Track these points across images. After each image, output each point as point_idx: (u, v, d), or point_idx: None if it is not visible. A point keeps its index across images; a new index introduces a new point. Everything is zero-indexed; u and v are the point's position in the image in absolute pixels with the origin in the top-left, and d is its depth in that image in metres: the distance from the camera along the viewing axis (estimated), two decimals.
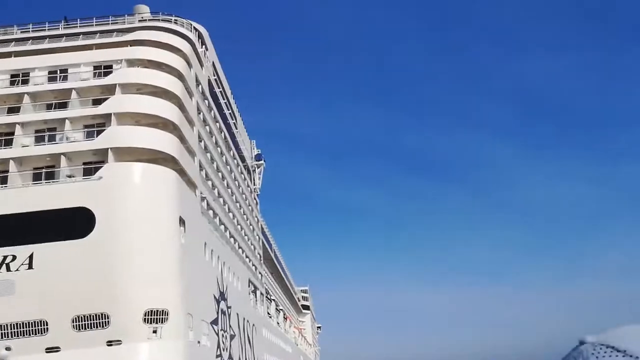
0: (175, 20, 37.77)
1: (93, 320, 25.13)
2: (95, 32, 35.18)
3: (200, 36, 40.86)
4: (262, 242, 65.62)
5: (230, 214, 46.74)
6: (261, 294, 59.83)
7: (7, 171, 28.08)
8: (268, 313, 64.68)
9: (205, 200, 37.01)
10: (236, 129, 54.27)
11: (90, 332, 24.97)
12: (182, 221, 29.70)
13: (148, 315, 25.95)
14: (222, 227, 42.57)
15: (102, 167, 27.79)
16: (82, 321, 25.04)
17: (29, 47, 33.97)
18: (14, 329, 24.53)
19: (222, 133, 46.70)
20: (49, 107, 31.07)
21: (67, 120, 29.75)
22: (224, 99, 48.07)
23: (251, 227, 58.79)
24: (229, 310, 39.43)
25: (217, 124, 44.89)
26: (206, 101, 41.26)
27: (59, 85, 31.65)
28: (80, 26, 35.91)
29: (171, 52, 34.37)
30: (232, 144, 51.19)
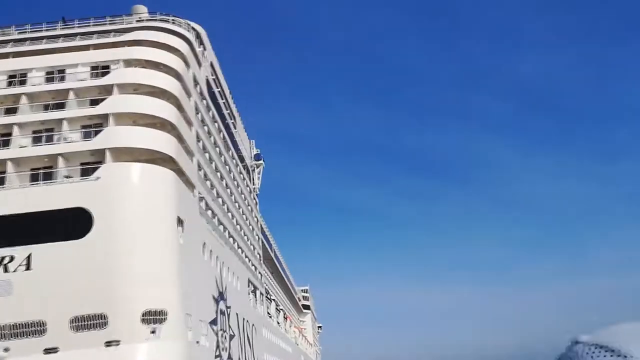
0: (172, 20, 37.74)
1: (91, 320, 25.07)
2: (92, 33, 35.16)
3: (198, 36, 40.82)
4: (262, 242, 65.54)
5: (229, 214, 46.68)
6: (261, 293, 59.75)
7: (5, 172, 28.07)
8: (268, 313, 64.60)
9: (203, 200, 36.96)
10: (235, 128, 54.24)
11: (89, 333, 24.91)
12: (180, 221, 29.65)
13: (146, 316, 25.89)
14: (221, 227, 42.51)
15: (99, 167, 27.77)
16: (80, 322, 24.98)
17: (26, 47, 33.95)
18: (12, 330, 24.45)
19: (221, 133, 46.63)
20: (46, 107, 31.09)
21: (64, 121, 29.72)
22: (222, 99, 48.03)
23: (250, 227, 58.72)
24: (228, 310, 39.36)
25: (216, 124, 44.82)
26: (204, 101, 41.20)
27: (56, 86, 31.64)
28: (77, 27, 35.91)
29: (169, 52, 34.33)
30: (231, 144, 51.11)
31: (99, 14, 36.85)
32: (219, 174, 43.70)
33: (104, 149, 28.31)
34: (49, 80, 32.05)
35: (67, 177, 27.98)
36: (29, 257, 25.20)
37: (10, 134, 29.56)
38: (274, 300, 72.45)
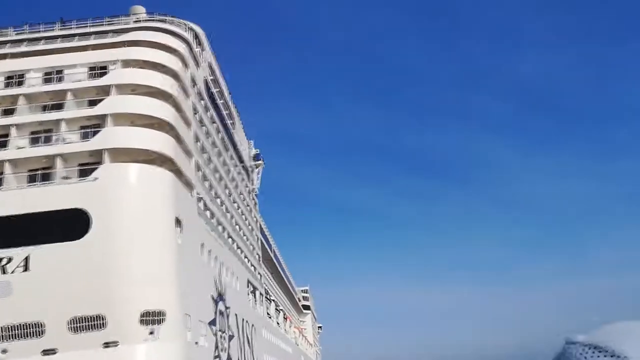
0: (170, 20, 37.71)
1: (90, 322, 25.02)
2: (90, 33, 35.14)
3: (196, 36, 40.77)
4: (261, 242, 65.47)
5: (228, 214, 46.62)
6: (260, 294, 59.68)
7: (3, 173, 28.01)
8: (267, 313, 64.54)
9: (202, 201, 36.91)
10: (234, 129, 54.17)
11: (87, 334, 24.87)
12: (178, 222, 29.61)
13: (145, 317, 25.84)
14: (220, 227, 42.46)
15: (97, 168, 27.70)
16: (78, 323, 24.93)
17: (24, 48, 33.93)
18: (10, 331, 24.42)
19: (220, 133, 46.57)
20: (44, 108, 31.03)
21: (62, 122, 29.66)
22: (221, 99, 47.98)
23: (250, 227, 58.66)
24: (228, 310, 39.31)
25: (215, 124, 44.76)
26: (203, 101, 41.16)
27: (54, 87, 31.58)
28: (75, 27, 35.89)
29: (167, 52, 34.30)
30: (230, 144, 51.05)
31: (97, 14, 36.77)
32: (217, 174, 43.64)
33: (102, 149, 28.24)
34: (47, 81, 31.97)
35: (65, 178, 27.93)
36: (27, 259, 25.14)
37: (8, 135, 29.49)
38: (273, 300, 72.39)
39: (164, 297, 26.92)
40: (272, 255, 75.74)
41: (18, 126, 29.76)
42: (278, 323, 75.51)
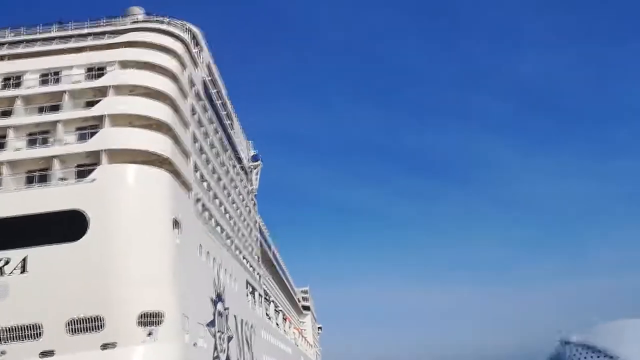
0: (168, 21, 37.62)
1: (87, 323, 24.98)
2: (88, 35, 35.07)
3: (194, 37, 40.68)
4: (260, 243, 65.37)
5: (227, 215, 46.54)
6: (259, 295, 59.60)
7: (0, 175, 27.97)
8: (267, 314, 64.46)
9: (200, 202, 36.84)
10: (232, 129, 54.07)
11: (85, 336, 24.82)
12: (176, 223, 29.54)
13: (143, 318, 25.79)
14: (219, 228, 42.39)
15: (95, 169, 27.66)
16: (76, 324, 24.90)
17: (21, 50, 33.89)
18: (7, 333, 24.38)
19: (218, 134, 46.50)
20: (41, 110, 30.99)
21: (59, 123, 29.64)
22: (219, 100, 47.89)
23: (249, 228, 58.55)
24: (226, 311, 39.24)
25: (213, 125, 44.69)
26: (201, 102, 41.07)
27: (51, 88, 31.55)
28: (73, 28, 35.80)
29: (164, 53, 34.26)
30: (229, 145, 50.98)
31: (95, 15, 36.68)
32: (216, 175, 43.54)
33: (100, 150, 28.20)
34: (44, 82, 31.96)
35: (62, 179, 27.88)
36: (24, 260, 25.12)
37: (5, 137, 29.45)
38: (273, 301, 72.32)
39: (162, 299, 26.84)
40: (271, 256, 75.67)
41: (15, 128, 29.72)
42: (277, 324, 75.42)
